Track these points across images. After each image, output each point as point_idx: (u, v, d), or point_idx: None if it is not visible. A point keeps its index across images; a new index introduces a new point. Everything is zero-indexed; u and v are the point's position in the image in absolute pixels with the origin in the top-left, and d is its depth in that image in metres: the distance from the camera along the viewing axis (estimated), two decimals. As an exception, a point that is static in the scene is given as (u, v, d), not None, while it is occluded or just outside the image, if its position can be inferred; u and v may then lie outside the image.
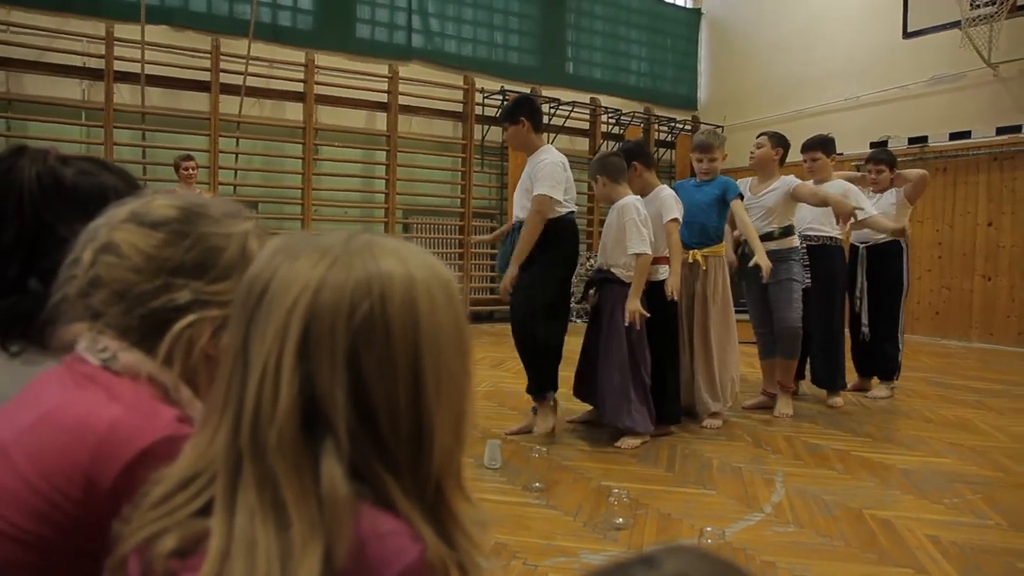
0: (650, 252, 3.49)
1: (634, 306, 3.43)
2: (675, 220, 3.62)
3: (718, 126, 9.82)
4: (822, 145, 4.51)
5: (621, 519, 2.53)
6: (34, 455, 0.69)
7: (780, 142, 4.27)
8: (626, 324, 3.44)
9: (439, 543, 0.58)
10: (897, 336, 4.71)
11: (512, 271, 3.60)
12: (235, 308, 0.61)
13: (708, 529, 2.37)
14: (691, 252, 3.92)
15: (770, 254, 4.09)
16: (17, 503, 0.67)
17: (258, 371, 0.56)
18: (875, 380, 4.85)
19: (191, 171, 6.04)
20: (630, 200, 3.56)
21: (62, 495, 0.68)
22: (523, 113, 3.70)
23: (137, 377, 0.76)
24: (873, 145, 5.02)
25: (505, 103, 8.61)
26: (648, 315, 3.47)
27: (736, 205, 3.96)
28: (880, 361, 4.77)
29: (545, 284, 3.58)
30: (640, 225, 3.47)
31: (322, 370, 0.56)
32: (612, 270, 3.60)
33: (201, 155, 6.55)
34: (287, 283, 0.58)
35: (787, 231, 4.18)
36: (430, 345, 0.59)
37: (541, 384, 3.62)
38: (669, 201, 3.68)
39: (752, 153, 4.31)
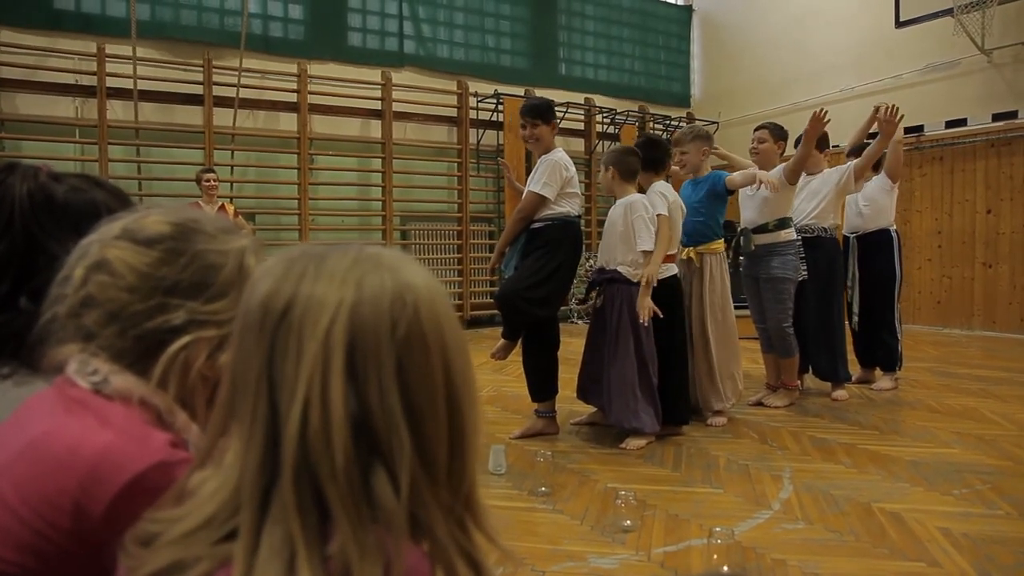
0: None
1: (647, 303, 3.43)
2: (662, 215, 3.61)
3: (713, 122, 9.83)
4: None
5: (629, 521, 2.51)
6: (21, 484, 0.67)
7: (781, 135, 4.33)
8: (642, 323, 3.44)
9: None
10: (895, 326, 4.68)
11: (494, 260, 3.83)
12: (247, 330, 0.58)
13: (717, 529, 2.35)
14: (686, 250, 3.92)
15: (763, 248, 4.17)
16: (3, 534, 0.65)
17: (301, 394, 0.54)
18: (878, 372, 4.83)
19: (212, 183, 6.07)
20: (638, 197, 3.61)
21: (50, 525, 0.66)
22: (553, 115, 3.82)
23: (129, 401, 0.74)
24: (870, 136, 4.99)
25: (499, 105, 8.64)
26: (661, 314, 3.46)
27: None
28: (881, 352, 4.75)
29: (539, 271, 3.57)
30: (649, 223, 3.51)
31: (371, 388, 0.55)
32: (618, 268, 3.59)
33: (195, 169, 6.54)
34: (318, 301, 0.56)
35: (782, 223, 4.16)
36: (455, 352, 0.60)
37: (513, 330, 3.64)
38: (654, 196, 3.68)
39: (755, 149, 4.31)
